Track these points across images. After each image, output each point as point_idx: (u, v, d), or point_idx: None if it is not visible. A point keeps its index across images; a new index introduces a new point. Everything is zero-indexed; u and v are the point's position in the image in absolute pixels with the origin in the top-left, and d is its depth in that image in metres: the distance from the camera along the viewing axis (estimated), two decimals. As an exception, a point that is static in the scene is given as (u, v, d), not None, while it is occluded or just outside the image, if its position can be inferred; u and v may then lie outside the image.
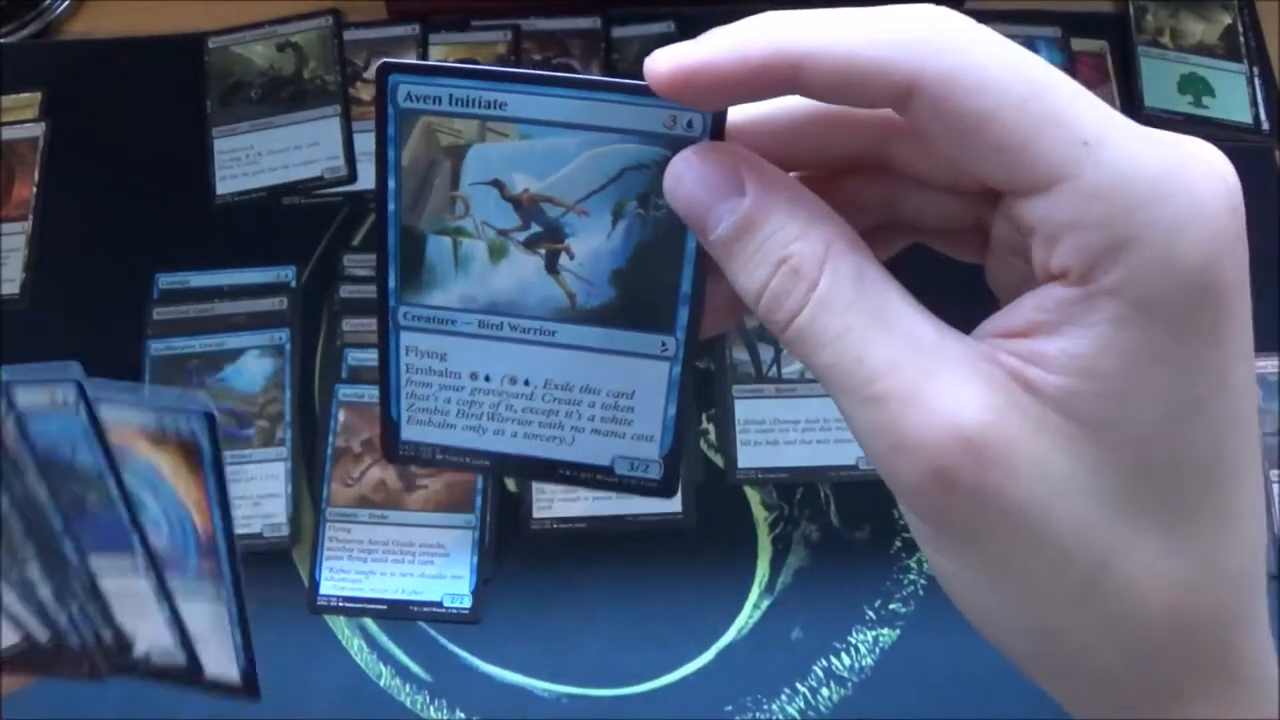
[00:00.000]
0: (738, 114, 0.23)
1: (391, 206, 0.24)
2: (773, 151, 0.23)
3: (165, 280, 0.63)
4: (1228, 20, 0.71)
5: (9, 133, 0.67)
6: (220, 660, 0.36)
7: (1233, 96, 0.69)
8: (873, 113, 0.23)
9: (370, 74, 0.68)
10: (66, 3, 0.71)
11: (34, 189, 0.66)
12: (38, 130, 0.67)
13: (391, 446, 0.26)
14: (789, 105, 0.23)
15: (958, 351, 0.20)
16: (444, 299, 0.25)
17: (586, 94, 0.23)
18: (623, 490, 0.26)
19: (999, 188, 0.20)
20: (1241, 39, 0.71)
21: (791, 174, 0.23)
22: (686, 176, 0.22)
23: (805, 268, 0.21)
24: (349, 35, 0.70)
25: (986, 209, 0.23)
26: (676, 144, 0.23)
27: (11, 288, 0.63)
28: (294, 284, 0.63)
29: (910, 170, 0.23)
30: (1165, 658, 0.21)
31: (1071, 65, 0.69)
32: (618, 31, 0.70)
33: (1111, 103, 0.68)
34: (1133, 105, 0.68)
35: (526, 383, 0.25)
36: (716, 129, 0.23)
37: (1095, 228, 0.19)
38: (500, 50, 0.69)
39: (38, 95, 0.68)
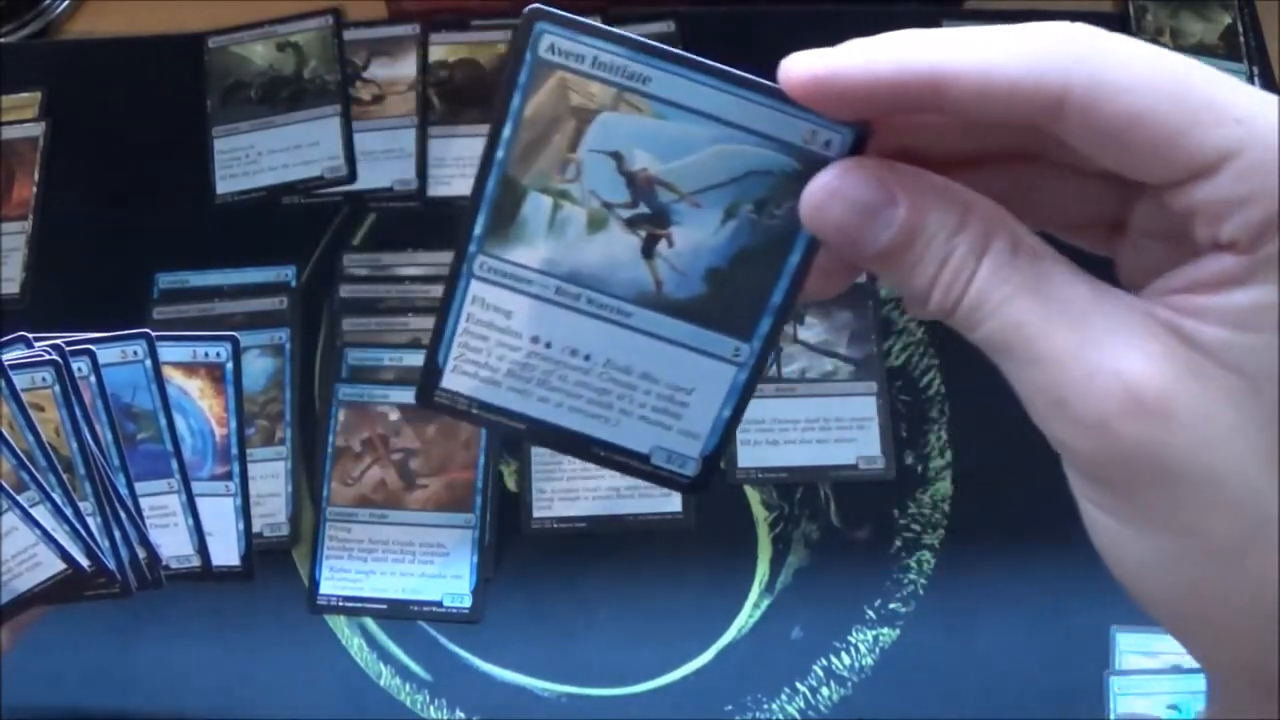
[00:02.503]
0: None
1: (500, 154, 0.23)
2: (913, 148, 0.24)
3: (165, 280, 0.63)
4: (1228, 20, 0.71)
5: (9, 133, 0.67)
6: (224, 550, 0.42)
7: (1233, 96, 0.69)
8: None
9: (370, 73, 0.69)
10: (66, 3, 0.71)
11: (34, 189, 0.66)
12: (38, 130, 0.67)
13: (426, 392, 0.26)
14: None
15: (1115, 307, 0.21)
16: (527, 257, 0.24)
17: (732, 88, 0.22)
18: (652, 481, 0.26)
19: (1153, 181, 0.21)
20: (1241, 39, 0.71)
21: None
22: (834, 199, 0.22)
23: (969, 259, 0.22)
24: (349, 35, 0.69)
25: (1125, 201, 0.24)
26: (810, 160, 0.23)
27: (11, 288, 0.63)
28: (294, 284, 0.63)
29: (1050, 163, 0.24)
30: None
31: (1071, 65, 0.69)
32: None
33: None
34: (1133, 105, 0.68)
35: (587, 357, 0.25)
36: (856, 150, 0.23)
37: (1261, 202, 0.19)
38: (500, 50, 0.69)
39: (38, 95, 0.68)
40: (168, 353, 0.41)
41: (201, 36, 0.69)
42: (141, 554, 0.40)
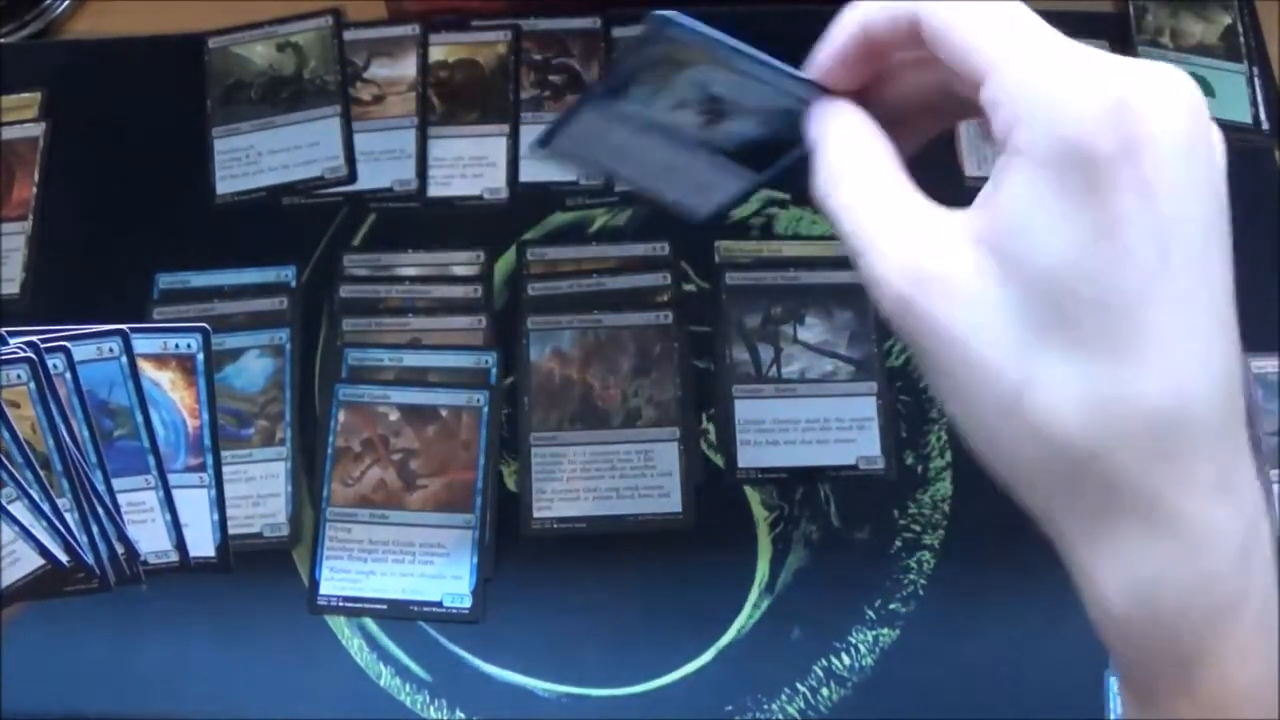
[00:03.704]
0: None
1: (622, 70, 0.31)
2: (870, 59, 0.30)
3: (165, 280, 0.63)
4: (1228, 20, 0.71)
5: (9, 133, 0.67)
6: (199, 542, 0.43)
7: (1233, 96, 0.69)
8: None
9: (370, 73, 0.69)
10: (66, 3, 0.71)
11: (34, 189, 0.66)
12: (38, 130, 0.67)
13: (546, 141, 0.34)
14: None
15: (919, 206, 0.27)
16: (629, 110, 0.32)
17: (781, 75, 0.30)
18: (673, 211, 0.37)
19: (970, 81, 0.26)
20: (1241, 39, 0.71)
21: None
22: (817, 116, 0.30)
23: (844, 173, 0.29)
24: (349, 35, 0.69)
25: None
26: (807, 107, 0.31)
27: (11, 288, 0.63)
28: (294, 284, 0.63)
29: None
30: (1082, 478, 0.24)
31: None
32: (618, 31, 0.70)
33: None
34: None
35: (654, 160, 0.34)
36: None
37: (1007, 105, 0.25)
38: (500, 50, 0.69)
39: (38, 95, 0.68)
40: (138, 344, 0.41)
41: (201, 36, 0.69)
42: (120, 550, 0.40)
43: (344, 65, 0.68)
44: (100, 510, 0.40)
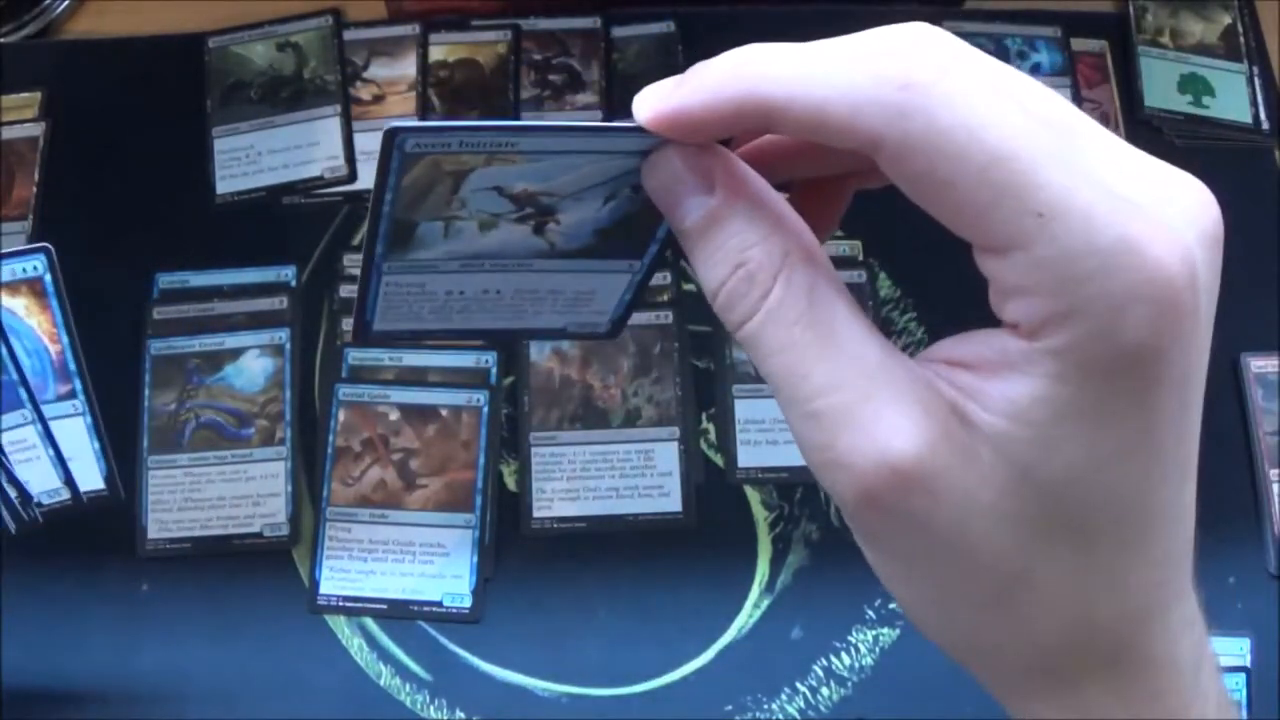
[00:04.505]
0: None
1: (386, 209, 0.24)
2: (761, 152, 0.25)
3: (165, 280, 0.63)
4: (1228, 20, 0.71)
5: (9, 133, 0.67)
6: (87, 474, 0.41)
7: (1233, 96, 0.69)
8: None
9: (370, 73, 0.69)
10: (66, 3, 0.71)
11: (34, 189, 0.66)
12: (38, 130, 0.67)
13: (362, 335, 0.28)
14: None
15: (899, 376, 0.22)
16: (429, 256, 0.26)
17: (595, 136, 0.23)
18: (571, 339, 0.28)
19: (961, 236, 0.21)
20: (1241, 39, 0.71)
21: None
22: (663, 169, 0.23)
23: (760, 275, 0.22)
24: (349, 35, 0.69)
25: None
26: None
27: (11, 287, 0.63)
28: (294, 284, 0.63)
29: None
30: (1065, 653, 0.23)
31: (1071, 65, 0.69)
32: (618, 31, 0.70)
33: (1111, 103, 0.69)
34: (1133, 105, 0.68)
35: (498, 292, 0.27)
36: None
37: (1043, 296, 0.20)
38: (500, 50, 0.69)
39: (38, 95, 0.68)
40: None
41: (201, 36, 0.69)
42: (13, 493, 0.39)
43: (344, 65, 0.68)
44: None
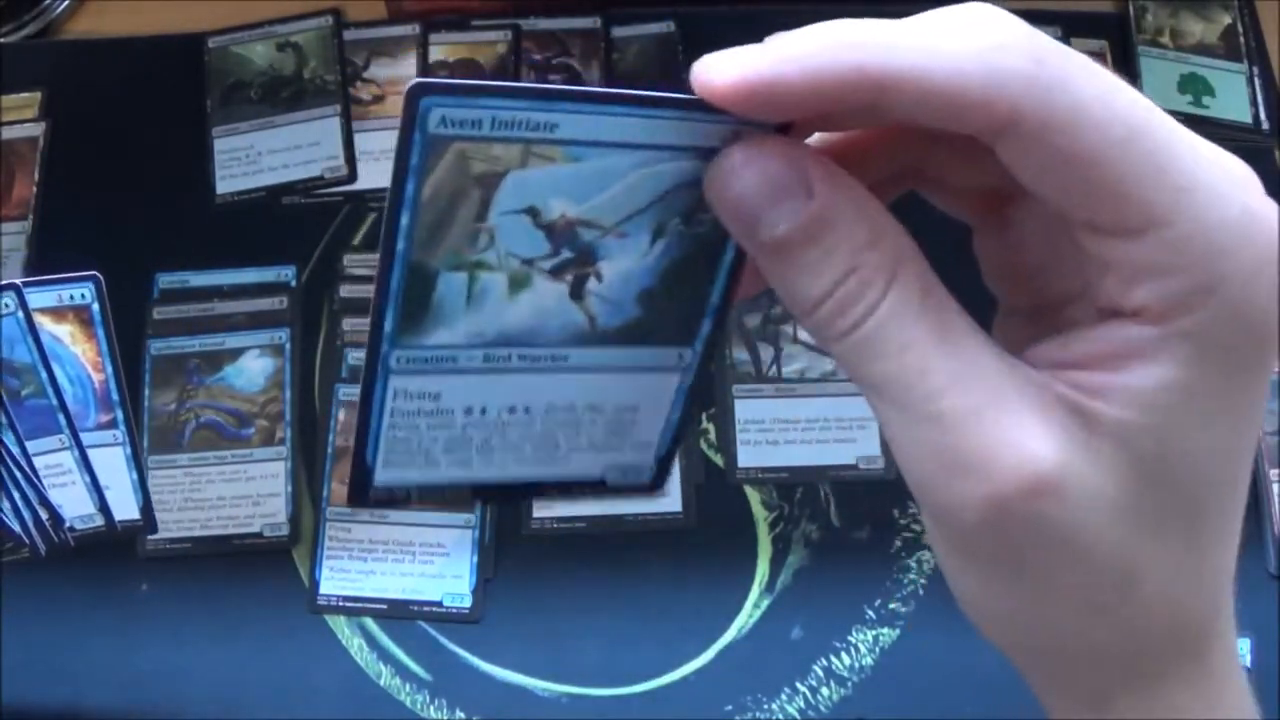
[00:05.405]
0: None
1: (401, 245, 0.21)
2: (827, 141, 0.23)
3: (165, 280, 0.63)
4: (1228, 20, 0.71)
5: (9, 133, 0.67)
6: (122, 502, 0.41)
7: (1233, 96, 0.69)
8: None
9: (370, 73, 0.68)
10: (66, 3, 0.71)
11: (34, 189, 0.66)
12: (38, 130, 0.67)
13: (361, 491, 0.24)
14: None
15: (1021, 378, 0.20)
16: (448, 337, 0.22)
17: (645, 111, 0.20)
18: (612, 495, 0.26)
19: (1079, 220, 0.20)
20: (1241, 39, 0.71)
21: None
22: (743, 172, 0.21)
23: (875, 278, 0.20)
24: (349, 35, 0.69)
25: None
26: None
27: (11, 287, 0.63)
28: (294, 284, 0.63)
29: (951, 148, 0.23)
30: (1160, 649, 0.22)
31: (1071, 65, 0.69)
32: (618, 31, 0.70)
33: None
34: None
35: (527, 410, 0.24)
36: (780, 129, 0.21)
37: (1181, 274, 0.19)
38: (500, 50, 0.69)
39: (38, 95, 0.68)
40: (32, 299, 0.39)
41: (201, 36, 0.69)
42: (44, 515, 0.39)
43: (344, 65, 0.68)
44: (18, 474, 0.38)
